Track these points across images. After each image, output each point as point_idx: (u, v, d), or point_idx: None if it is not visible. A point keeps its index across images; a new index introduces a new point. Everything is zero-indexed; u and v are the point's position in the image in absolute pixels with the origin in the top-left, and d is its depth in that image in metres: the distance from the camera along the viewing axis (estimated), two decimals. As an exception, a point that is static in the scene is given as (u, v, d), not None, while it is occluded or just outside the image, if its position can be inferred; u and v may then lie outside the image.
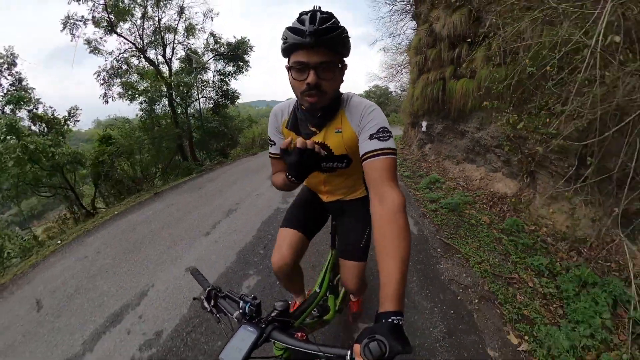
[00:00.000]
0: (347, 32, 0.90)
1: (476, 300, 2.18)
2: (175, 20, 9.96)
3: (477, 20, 4.14)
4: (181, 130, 9.70)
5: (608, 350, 1.68)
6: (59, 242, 3.98)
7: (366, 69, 72.82)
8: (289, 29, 0.87)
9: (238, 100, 11.82)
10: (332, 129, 1.04)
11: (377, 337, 0.55)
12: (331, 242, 1.56)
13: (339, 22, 0.88)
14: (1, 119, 6.18)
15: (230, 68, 11.01)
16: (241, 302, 0.74)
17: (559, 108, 2.41)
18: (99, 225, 4.38)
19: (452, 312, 2.06)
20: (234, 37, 10.94)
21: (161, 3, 9.31)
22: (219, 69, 11.01)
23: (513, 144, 3.53)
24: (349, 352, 0.58)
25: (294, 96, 1.04)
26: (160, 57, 10.14)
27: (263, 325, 0.68)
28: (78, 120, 8.78)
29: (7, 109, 7.16)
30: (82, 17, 8.61)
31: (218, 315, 0.79)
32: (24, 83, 7.94)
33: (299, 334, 0.74)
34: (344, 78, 1.00)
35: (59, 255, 3.51)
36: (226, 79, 11.16)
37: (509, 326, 1.94)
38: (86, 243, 3.73)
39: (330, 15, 0.88)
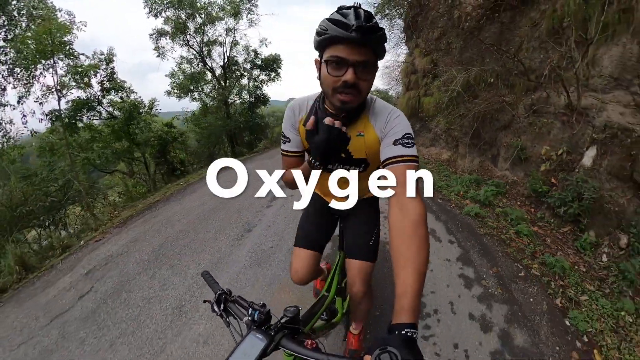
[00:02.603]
0: (386, 34, 0.87)
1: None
2: (220, 35, 13.23)
3: (435, 65, 7.48)
4: (232, 122, 12.74)
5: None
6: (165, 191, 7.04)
7: None
8: (330, 20, 0.83)
9: (273, 99, 14.92)
10: (355, 131, 1.01)
11: (390, 349, 0.53)
12: (339, 244, 1.52)
13: (379, 24, 0.84)
14: (126, 100, 9.02)
15: (263, 77, 14.15)
16: (250, 309, 0.73)
17: (461, 111, 5.77)
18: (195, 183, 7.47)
19: (441, 210, 5.36)
20: (271, 54, 14.01)
21: (215, 23, 12.62)
22: (254, 76, 14.13)
23: (448, 133, 6.87)
24: None
25: (318, 90, 1.02)
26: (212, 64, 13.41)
27: (272, 333, 0.68)
28: (159, 110, 11.53)
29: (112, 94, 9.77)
30: (166, 31, 11.76)
31: (228, 319, 0.80)
32: (115, 77, 10.05)
33: (309, 341, 0.70)
34: None
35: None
36: (259, 85, 14.29)
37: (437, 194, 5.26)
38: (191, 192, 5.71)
39: (370, 14, 0.84)
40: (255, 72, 13.83)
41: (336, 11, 0.85)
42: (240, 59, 13.44)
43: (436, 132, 8.05)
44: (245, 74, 13.79)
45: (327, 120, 0.87)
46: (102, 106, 9.27)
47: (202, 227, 3.76)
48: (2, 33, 8.38)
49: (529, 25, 4.67)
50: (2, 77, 8.56)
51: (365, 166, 1.11)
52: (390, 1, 10.36)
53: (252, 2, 12.81)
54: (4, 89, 8.74)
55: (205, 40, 12.65)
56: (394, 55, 12.97)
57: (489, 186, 4.47)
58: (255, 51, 13.43)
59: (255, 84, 14.00)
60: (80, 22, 8.77)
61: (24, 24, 8.65)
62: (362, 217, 1.34)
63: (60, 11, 8.72)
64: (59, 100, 8.49)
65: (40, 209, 5.82)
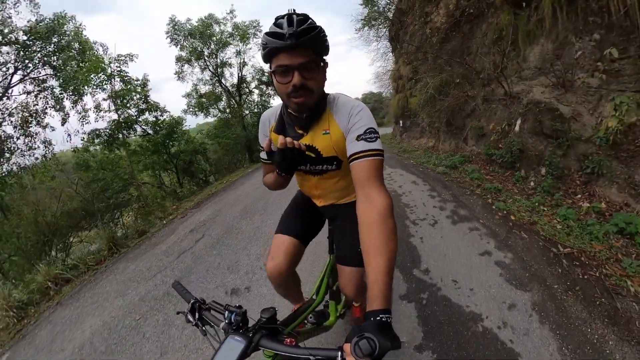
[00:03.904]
0: (324, 32, 0.90)
1: (412, 162, 6.96)
2: (230, 58, 15.08)
3: (415, 71, 9.06)
4: (248, 133, 14.37)
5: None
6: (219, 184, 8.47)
7: (361, 74, 79.96)
8: (267, 34, 0.87)
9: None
10: (320, 130, 1.03)
11: (367, 335, 0.56)
12: (329, 247, 1.49)
13: (315, 23, 0.88)
14: (165, 120, 10.68)
15: (270, 91, 15.83)
16: (226, 312, 0.73)
17: (437, 107, 7.29)
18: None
19: (413, 167, 6.80)
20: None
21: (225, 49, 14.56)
22: (263, 92, 15.87)
23: (430, 125, 8.38)
24: (339, 353, 0.58)
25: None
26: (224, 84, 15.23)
27: (251, 334, 0.67)
28: (188, 125, 13.28)
29: (146, 114, 11.43)
30: (186, 57, 13.58)
31: (204, 328, 0.79)
32: (149, 99, 11.65)
33: (288, 339, 0.71)
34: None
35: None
36: (266, 99, 16.08)
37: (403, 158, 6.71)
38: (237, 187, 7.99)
39: (306, 17, 0.89)
40: (262, 87, 15.62)
41: (273, 23, 0.88)
42: (248, 78, 15.31)
43: (423, 126, 9.58)
44: (255, 90, 15.57)
45: (280, 144, 0.89)
46: (138, 124, 10.85)
47: (267, 197, 5.27)
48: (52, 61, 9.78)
49: (480, 35, 6.23)
50: (47, 102, 10.00)
51: (338, 163, 1.11)
52: (372, 19, 12.05)
53: (257, 27, 14.65)
54: (45, 113, 10.23)
55: (218, 62, 14.49)
56: (384, 62, 14.65)
57: (457, 157, 5.94)
58: (262, 70, 15.19)
59: (264, 98, 15.79)
60: (134, 54, 10.51)
61: (70, 53, 10.16)
62: (349, 221, 1.23)
63: (95, 43, 10.30)
64: (118, 116, 10.03)
65: (108, 207, 7.34)
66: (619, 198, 3.38)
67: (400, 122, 12.29)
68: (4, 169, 8.29)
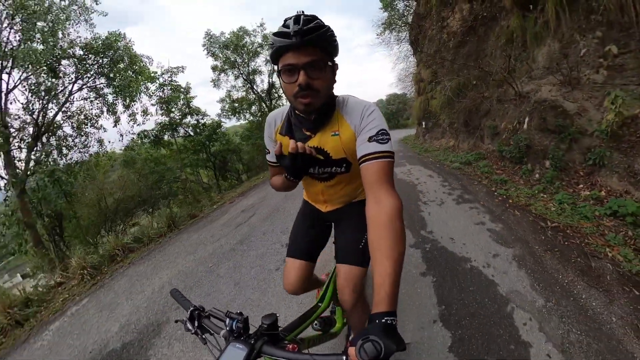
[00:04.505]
0: (332, 31, 0.90)
1: (431, 160, 7.48)
2: (260, 65, 16.30)
3: (435, 74, 9.54)
4: None
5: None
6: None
7: (384, 76, 79.74)
8: (274, 34, 0.87)
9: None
10: (329, 132, 1.02)
11: (372, 337, 0.56)
12: (335, 253, 1.39)
13: (324, 24, 0.88)
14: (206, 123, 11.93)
15: None
16: (227, 319, 0.72)
17: (455, 109, 7.76)
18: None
19: (431, 164, 7.34)
20: None
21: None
22: None
23: (451, 126, 8.82)
24: (344, 357, 0.58)
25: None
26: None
27: (252, 342, 0.67)
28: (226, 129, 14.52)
29: (188, 117, 12.69)
30: (221, 67, 14.93)
31: (204, 336, 0.79)
32: (190, 104, 12.99)
33: (291, 346, 0.70)
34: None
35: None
36: None
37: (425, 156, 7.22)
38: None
39: (314, 17, 0.88)
40: None
41: (282, 24, 0.88)
42: (277, 84, 16.36)
43: (443, 127, 10.01)
44: (284, 95, 16.66)
45: (291, 148, 0.89)
46: (181, 127, 12.14)
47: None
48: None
49: (494, 38, 6.67)
50: (101, 106, 11.44)
51: (347, 165, 1.09)
52: (391, 24, 12.57)
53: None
54: (99, 116, 11.64)
55: (249, 70, 15.72)
56: (406, 64, 15.10)
57: (472, 154, 6.41)
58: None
59: None
60: (182, 67, 11.92)
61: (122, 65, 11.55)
62: (352, 220, 1.27)
63: (142, 56, 11.61)
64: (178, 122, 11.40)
65: (163, 195, 8.55)
66: (619, 187, 3.69)
67: (423, 123, 12.71)
68: (65, 161, 9.70)
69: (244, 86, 15.94)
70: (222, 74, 15.22)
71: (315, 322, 1.27)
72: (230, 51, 14.70)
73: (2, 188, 8.36)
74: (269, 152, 1.19)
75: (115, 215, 7.97)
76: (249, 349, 0.64)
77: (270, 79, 16.30)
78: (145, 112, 11.74)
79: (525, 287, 2.18)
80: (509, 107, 5.91)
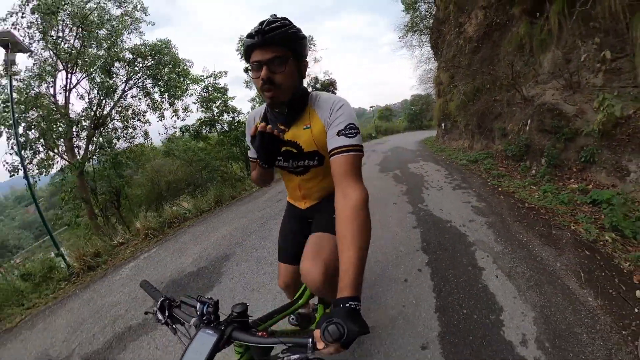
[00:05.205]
0: (296, 30, 0.96)
1: (443, 158, 8.09)
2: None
3: (452, 77, 10.07)
4: None
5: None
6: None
7: (408, 76, 79.77)
8: (247, 35, 0.94)
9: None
10: (301, 125, 1.08)
11: (335, 320, 0.59)
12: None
13: (289, 22, 0.95)
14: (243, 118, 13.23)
15: None
16: (198, 304, 0.73)
17: (469, 111, 8.32)
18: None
19: (442, 161, 7.97)
20: (327, 78, 18.05)
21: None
22: None
23: (466, 128, 9.34)
24: (309, 339, 0.61)
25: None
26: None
27: (222, 327, 0.68)
28: None
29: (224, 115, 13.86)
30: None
31: (175, 326, 0.79)
32: (228, 103, 13.87)
33: (260, 332, 0.70)
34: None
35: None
36: None
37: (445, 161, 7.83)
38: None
39: (281, 19, 0.96)
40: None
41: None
42: (305, 84, 17.35)
43: (460, 129, 10.51)
44: None
45: (260, 127, 0.92)
46: (219, 123, 13.40)
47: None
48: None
49: (505, 44, 7.17)
50: (149, 103, 12.98)
51: (320, 159, 1.14)
52: (413, 26, 13.08)
53: (311, 42, 16.76)
54: (145, 112, 13.08)
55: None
56: (428, 65, 15.53)
57: (482, 153, 6.99)
58: (316, 78, 17.30)
59: None
60: (225, 71, 13.16)
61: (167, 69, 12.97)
62: (328, 212, 1.21)
63: (184, 59, 12.95)
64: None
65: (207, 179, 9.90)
66: (607, 181, 3.98)
67: (442, 125, 13.17)
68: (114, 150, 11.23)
69: (271, 87, 17.16)
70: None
71: (292, 316, 1.30)
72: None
73: (64, 169, 9.90)
74: (250, 149, 1.28)
75: (167, 193, 9.46)
76: (219, 335, 0.65)
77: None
78: (185, 109, 13.18)
79: (489, 239, 2.85)
80: (516, 110, 6.43)
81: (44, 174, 9.62)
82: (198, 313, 0.71)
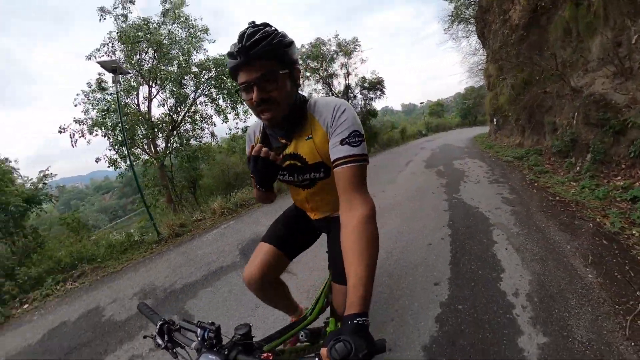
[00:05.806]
0: (281, 37, 0.86)
1: (490, 155, 8.15)
2: (336, 70, 18.30)
3: (501, 69, 9.86)
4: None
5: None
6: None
7: (456, 69, 75.86)
8: (227, 54, 0.87)
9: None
10: (303, 136, 1.01)
11: (343, 337, 0.57)
12: (329, 262, 1.34)
13: (271, 30, 0.86)
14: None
15: (371, 95, 18.54)
16: (199, 329, 0.71)
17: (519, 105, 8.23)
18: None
19: (487, 158, 8.09)
20: (375, 77, 18.53)
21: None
22: (365, 96, 18.74)
23: (517, 123, 9.16)
24: (316, 358, 0.60)
25: None
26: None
27: (226, 352, 0.65)
28: None
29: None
30: (306, 74, 17.49)
31: (175, 350, 0.77)
32: None
33: (265, 354, 0.68)
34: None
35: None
36: (368, 102, 18.84)
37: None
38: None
39: (261, 26, 0.86)
40: (365, 92, 18.44)
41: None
42: (352, 85, 18.25)
43: (512, 125, 10.22)
44: (359, 95, 18.47)
45: (255, 151, 0.88)
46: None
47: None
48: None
49: (551, 30, 6.88)
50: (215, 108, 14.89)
51: (326, 170, 1.06)
52: (458, 15, 12.68)
53: (356, 43, 17.55)
54: (211, 116, 14.88)
55: (327, 74, 17.88)
56: (477, 57, 14.92)
57: (531, 150, 6.95)
58: (364, 77, 17.96)
59: (366, 101, 18.64)
60: None
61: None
62: None
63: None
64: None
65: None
66: None
67: (494, 120, 12.77)
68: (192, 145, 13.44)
69: (323, 89, 18.15)
70: (305, 80, 17.65)
71: (302, 333, 1.27)
72: (310, 60, 17.04)
73: (146, 163, 12.36)
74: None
75: (235, 182, 11.88)
76: (222, 359, 0.63)
77: (346, 81, 18.15)
78: (245, 112, 14.81)
79: (509, 223, 3.24)
80: (565, 102, 6.33)
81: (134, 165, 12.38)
82: (199, 339, 0.70)
